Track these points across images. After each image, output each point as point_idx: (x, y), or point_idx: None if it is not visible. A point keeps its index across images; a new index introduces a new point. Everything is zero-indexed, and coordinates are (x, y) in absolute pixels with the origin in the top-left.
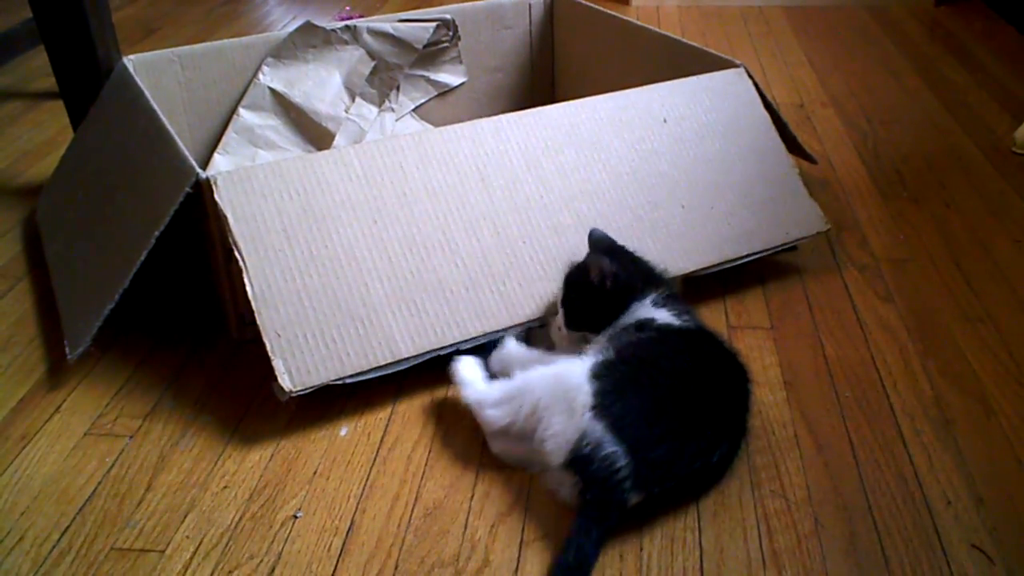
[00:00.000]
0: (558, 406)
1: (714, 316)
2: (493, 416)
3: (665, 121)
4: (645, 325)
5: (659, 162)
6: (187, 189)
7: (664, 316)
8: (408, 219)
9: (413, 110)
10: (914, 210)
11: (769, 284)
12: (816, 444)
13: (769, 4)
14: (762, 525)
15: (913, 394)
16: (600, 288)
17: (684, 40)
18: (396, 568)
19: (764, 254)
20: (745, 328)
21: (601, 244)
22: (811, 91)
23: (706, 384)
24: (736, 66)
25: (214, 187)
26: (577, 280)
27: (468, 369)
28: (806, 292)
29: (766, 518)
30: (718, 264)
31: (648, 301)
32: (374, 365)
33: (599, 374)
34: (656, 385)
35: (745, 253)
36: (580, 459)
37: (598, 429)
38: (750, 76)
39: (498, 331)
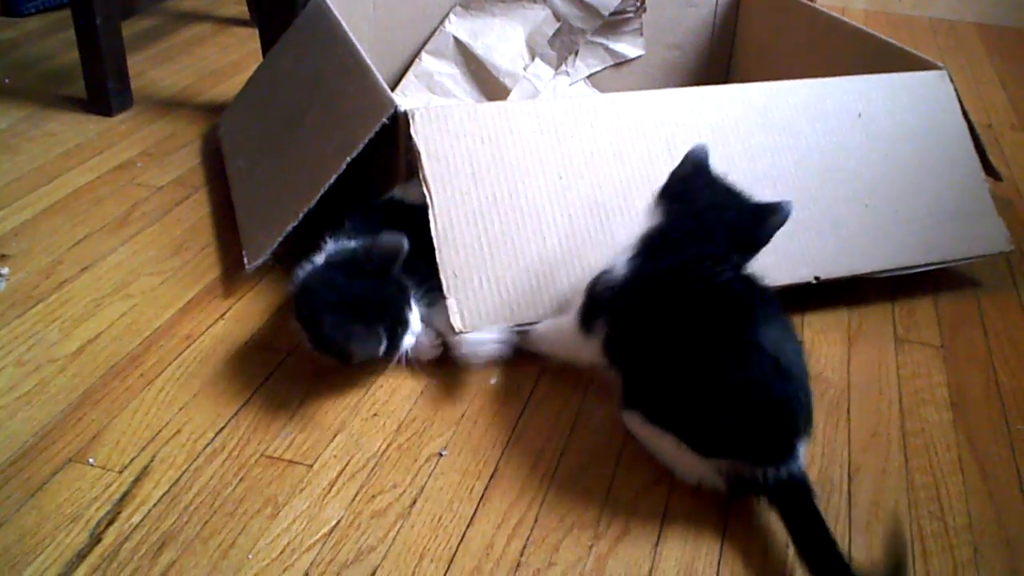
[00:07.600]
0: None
1: (881, 324)
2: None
3: (860, 116)
4: None
5: (848, 158)
6: (384, 120)
7: None
8: (592, 179)
9: (587, 77)
10: None
11: (942, 298)
12: (981, 471)
13: (962, 19)
14: (917, 545)
15: None
16: None
17: (882, 36)
18: (536, 521)
19: (941, 266)
20: (914, 343)
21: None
22: (1000, 112)
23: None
24: (939, 68)
25: (411, 121)
26: None
27: None
28: (981, 314)
29: (922, 538)
30: (893, 270)
31: None
32: (543, 320)
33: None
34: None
35: (923, 262)
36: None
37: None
38: (951, 81)
39: None
